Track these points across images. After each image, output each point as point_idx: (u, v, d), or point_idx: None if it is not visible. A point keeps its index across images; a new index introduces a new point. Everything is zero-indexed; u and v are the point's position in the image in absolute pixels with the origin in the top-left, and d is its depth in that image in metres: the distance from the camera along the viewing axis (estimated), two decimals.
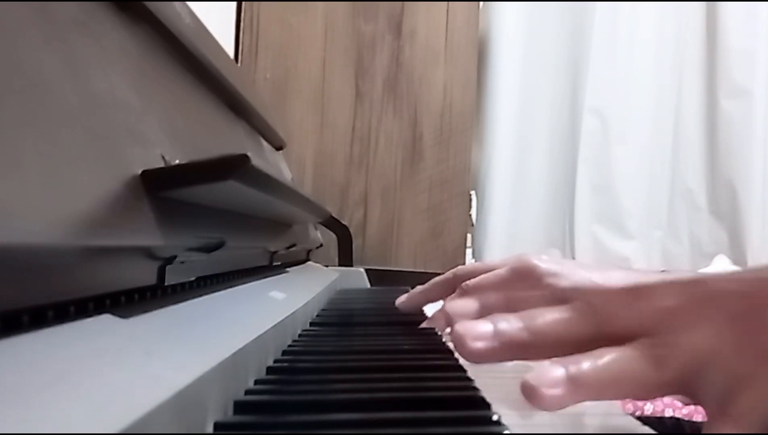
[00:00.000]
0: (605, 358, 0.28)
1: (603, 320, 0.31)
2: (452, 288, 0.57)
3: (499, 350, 0.31)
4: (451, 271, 0.60)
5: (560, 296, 0.34)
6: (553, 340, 0.31)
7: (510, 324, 0.31)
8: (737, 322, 0.28)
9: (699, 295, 0.30)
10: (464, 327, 0.32)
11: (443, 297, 0.60)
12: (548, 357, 0.30)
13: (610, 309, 0.31)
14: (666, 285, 0.31)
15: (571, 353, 0.29)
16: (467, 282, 0.56)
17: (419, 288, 0.62)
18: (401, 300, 0.63)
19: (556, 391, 0.27)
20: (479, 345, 0.31)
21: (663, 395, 0.29)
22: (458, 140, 1.48)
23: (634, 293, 0.31)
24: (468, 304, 0.38)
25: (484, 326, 0.32)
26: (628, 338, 0.29)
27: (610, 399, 0.29)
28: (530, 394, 0.28)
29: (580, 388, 0.28)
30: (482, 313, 0.39)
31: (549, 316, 0.31)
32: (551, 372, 0.28)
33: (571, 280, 0.54)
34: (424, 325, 0.56)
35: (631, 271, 0.57)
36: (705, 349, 0.27)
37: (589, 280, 0.54)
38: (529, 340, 0.31)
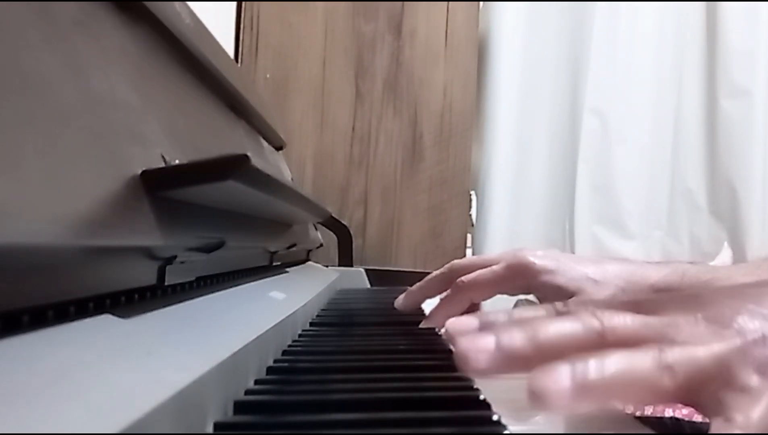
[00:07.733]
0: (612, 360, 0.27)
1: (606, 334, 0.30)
2: (449, 283, 0.57)
3: (501, 364, 0.30)
4: (448, 265, 0.61)
5: (562, 308, 0.33)
6: (556, 352, 0.29)
7: (512, 337, 0.30)
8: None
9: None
10: (466, 343, 0.31)
11: (440, 292, 0.60)
12: None
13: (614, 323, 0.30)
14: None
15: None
16: (462, 278, 0.56)
17: (416, 285, 0.62)
18: (399, 300, 0.63)
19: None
20: (482, 359, 0.30)
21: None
22: (458, 140, 1.48)
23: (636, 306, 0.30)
24: (470, 321, 0.36)
25: (487, 340, 0.30)
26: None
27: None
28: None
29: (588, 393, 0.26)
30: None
31: (552, 330, 0.30)
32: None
33: (567, 276, 0.54)
34: (423, 324, 0.56)
35: (625, 262, 0.57)
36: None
37: (584, 276, 0.54)
38: (533, 353, 0.30)
